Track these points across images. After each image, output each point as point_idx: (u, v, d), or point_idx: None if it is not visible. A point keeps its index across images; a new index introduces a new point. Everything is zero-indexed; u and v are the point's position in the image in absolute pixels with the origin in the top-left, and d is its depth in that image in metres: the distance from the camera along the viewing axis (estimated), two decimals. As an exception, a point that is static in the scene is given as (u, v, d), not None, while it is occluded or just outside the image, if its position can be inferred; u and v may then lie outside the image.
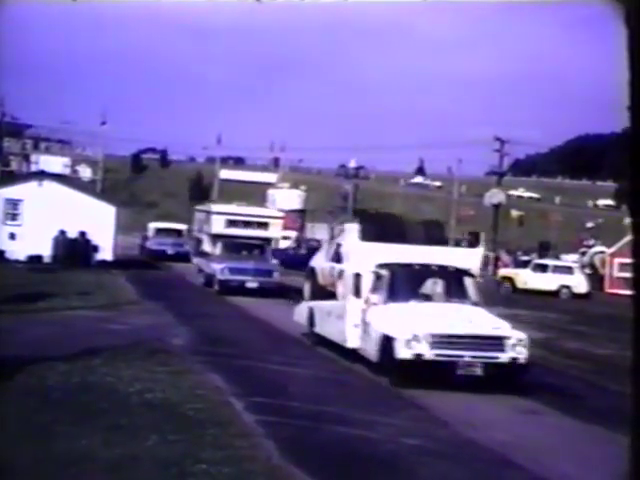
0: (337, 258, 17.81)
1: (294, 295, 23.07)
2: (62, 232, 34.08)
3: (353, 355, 14.90)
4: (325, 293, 17.65)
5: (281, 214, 33.27)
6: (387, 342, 13.23)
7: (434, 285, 14.84)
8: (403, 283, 14.81)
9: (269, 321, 21.26)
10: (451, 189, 75.88)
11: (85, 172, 74.54)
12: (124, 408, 9.72)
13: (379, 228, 16.50)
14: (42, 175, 39.45)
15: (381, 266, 14.86)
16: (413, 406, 11.86)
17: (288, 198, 62.52)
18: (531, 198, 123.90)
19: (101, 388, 10.78)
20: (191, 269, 35.70)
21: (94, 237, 34.90)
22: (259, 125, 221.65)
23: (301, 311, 18.56)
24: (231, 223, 31.83)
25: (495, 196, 58.98)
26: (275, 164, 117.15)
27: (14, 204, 35.20)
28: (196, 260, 33.68)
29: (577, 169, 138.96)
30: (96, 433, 8.41)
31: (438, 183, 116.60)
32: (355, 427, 10.02)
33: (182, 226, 49.13)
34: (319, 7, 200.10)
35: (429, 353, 12.83)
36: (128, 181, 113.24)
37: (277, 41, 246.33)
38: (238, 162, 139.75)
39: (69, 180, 46.40)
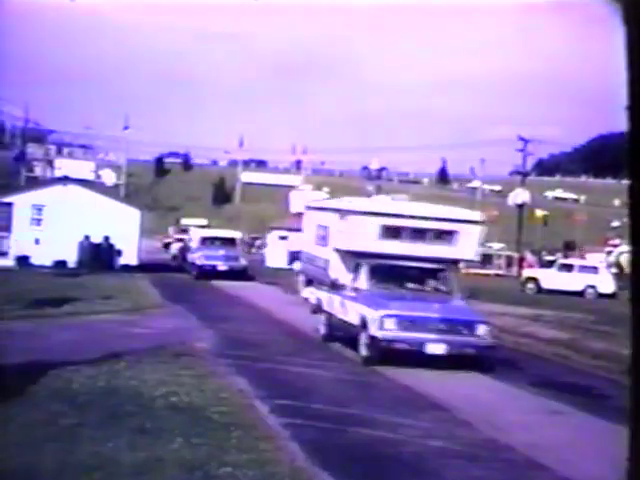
0: None
1: None
2: (87, 237, 34.36)
3: None
4: None
5: (479, 217, 18.34)
6: None
7: None
8: None
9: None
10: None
11: (109, 177, 75.08)
12: (149, 411, 9.74)
13: None
14: (66, 180, 39.77)
15: None
16: None
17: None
18: (565, 199, 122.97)
19: (126, 391, 10.80)
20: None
21: (119, 241, 35.15)
22: (281, 128, 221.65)
23: None
24: (390, 232, 17.19)
25: (519, 196, 58.71)
26: (297, 166, 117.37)
27: (39, 209, 35.54)
28: (310, 292, 20.97)
29: (601, 168, 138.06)
30: (121, 436, 8.43)
31: (498, 187, 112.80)
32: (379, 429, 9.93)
33: (236, 234, 41.09)
34: (339, 8, 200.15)
35: None
36: (151, 185, 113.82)
37: (298, 43, 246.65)
38: (260, 165, 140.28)
39: (93, 185, 46.64)
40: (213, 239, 38.78)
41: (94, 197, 36.69)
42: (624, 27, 3.44)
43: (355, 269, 17.11)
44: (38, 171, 64.97)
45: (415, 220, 17.32)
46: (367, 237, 17.07)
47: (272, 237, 51.67)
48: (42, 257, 34.08)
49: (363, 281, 16.65)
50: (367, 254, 16.93)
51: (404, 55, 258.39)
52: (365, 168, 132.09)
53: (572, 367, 17.76)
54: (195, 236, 39.94)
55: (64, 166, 61.91)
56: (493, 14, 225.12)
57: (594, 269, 42.94)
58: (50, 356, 12.69)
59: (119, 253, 35.61)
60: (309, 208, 22.76)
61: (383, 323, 14.93)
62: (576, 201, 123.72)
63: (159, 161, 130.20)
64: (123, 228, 35.16)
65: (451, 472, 8.58)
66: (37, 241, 34.96)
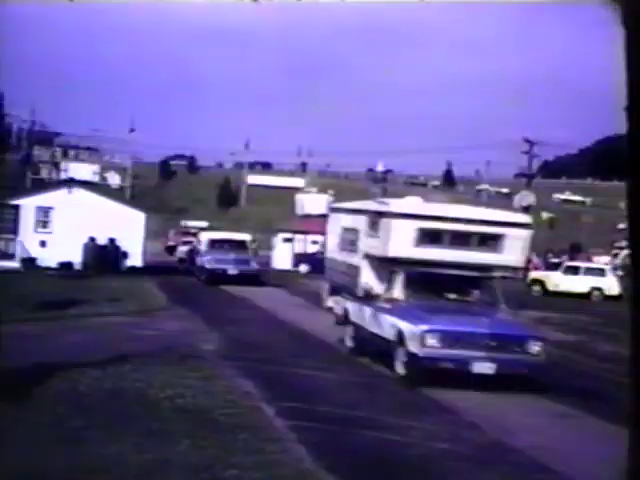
0: None
1: None
2: (92, 239, 34.37)
3: None
4: None
5: (527, 219, 16.85)
6: None
7: None
8: None
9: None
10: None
11: (114, 179, 75.23)
12: (155, 413, 9.75)
13: None
14: (72, 183, 39.87)
15: None
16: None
17: (316, 203, 62.47)
18: (574, 202, 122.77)
19: (132, 394, 10.82)
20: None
21: (124, 243, 35.22)
22: (286, 130, 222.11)
23: None
24: (429, 236, 15.53)
25: (525, 198, 58.61)
26: (303, 169, 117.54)
27: (44, 212, 35.60)
28: (335, 302, 19.06)
29: (607, 170, 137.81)
30: (128, 438, 8.43)
31: (506, 190, 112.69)
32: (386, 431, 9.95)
33: (246, 236, 38.43)
34: (345, 9, 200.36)
35: None
36: (156, 187, 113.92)
37: (304, 45, 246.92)
38: (266, 167, 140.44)
39: (98, 187, 46.74)
40: (223, 242, 36.66)
41: (99, 200, 36.75)
42: (623, 30, 3.47)
43: (389, 277, 15.49)
44: (44, 173, 65.04)
45: (457, 223, 15.40)
46: (403, 242, 15.19)
47: (278, 239, 51.63)
48: (48, 259, 34.15)
49: (399, 291, 15.04)
50: (403, 261, 15.19)
51: (409, 57, 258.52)
52: (370, 170, 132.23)
53: (579, 370, 17.72)
54: (204, 239, 37.80)
55: (69, 168, 62.08)
56: (499, 16, 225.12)
57: (600, 271, 42.86)
58: (56, 358, 12.72)
59: (125, 255, 35.66)
60: (334, 210, 20.57)
61: (424, 339, 13.32)
62: (582, 203, 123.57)
63: (165, 163, 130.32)
64: (128, 230, 35.21)
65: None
66: (43, 243, 35.03)
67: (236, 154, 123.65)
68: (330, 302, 19.50)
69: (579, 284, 40.96)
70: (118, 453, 7.93)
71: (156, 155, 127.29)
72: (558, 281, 41.54)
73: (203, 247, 36.55)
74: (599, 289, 41.03)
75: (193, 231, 59.77)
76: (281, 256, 49.56)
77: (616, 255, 60.75)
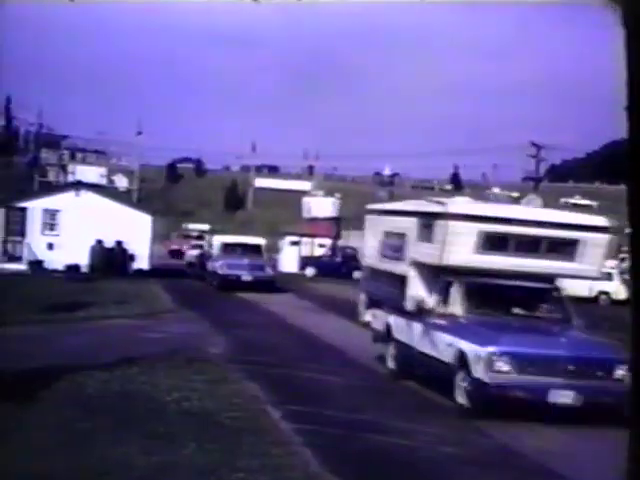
0: None
1: None
2: (99, 241, 34.46)
3: None
4: None
5: (607, 223, 14.22)
6: None
7: None
8: None
9: None
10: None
11: (121, 182, 75.37)
12: (162, 416, 9.77)
13: None
14: (79, 185, 40.00)
15: None
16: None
17: (323, 206, 62.53)
18: (584, 206, 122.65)
19: (139, 396, 10.85)
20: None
21: (131, 246, 35.32)
22: (293, 133, 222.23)
23: None
24: (493, 242, 13.44)
25: (532, 202, 58.56)
26: (309, 172, 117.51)
27: (52, 214, 35.75)
28: (371, 316, 16.87)
29: (615, 174, 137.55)
30: (134, 441, 8.45)
31: (516, 194, 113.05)
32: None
33: (260, 240, 36.39)
34: (352, 13, 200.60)
35: None
36: (163, 190, 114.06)
37: (307, 47, 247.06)
38: (272, 170, 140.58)
39: (105, 190, 46.88)
40: (236, 245, 34.86)
41: (106, 202, 36.87)
42: (623, 30, 3.50)
43: (445, 289, 13.48)
44: (51, 176, 65.22)
45: (526, 227, 13.41)
46: (463, 248, 13.07)
47: (285, 242, 51.79)
48: (55, 262, 34.24)
49: (456, 304, 13.08)
50: (462, 270, 13.21)
51: (413, 58, 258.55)
52: (377, 174, 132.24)
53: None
54: (216, 242, 36.07)
55: (76, 171, 62.28)
56: (505, 18, 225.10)
57: (607, 275, 42.77)
58: (64, 361, 12.76)
59: (132, 258, 35.73)
60: (372, 212, 17.95)
61: (492, 363, 11.38)
62: (589, 207, 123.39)
63: (172, 166, 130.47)
64: (135, 233, 35.32)
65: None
66: (50, 246, 35.14)
67: (243, 157, 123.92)
68: (367, 316, 17.35)
69: (586, 288, 40.88)
70: (125, 455, 7.95)
71: (163, 158, 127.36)
72: (565, 285, 41.43)
73: (215, 251, 35.10)
74: (606, 293, 40.98)
75: (195, 234, 59.52)
76: (288, 259, 49.72)
77: (623, 259, 60.57)
